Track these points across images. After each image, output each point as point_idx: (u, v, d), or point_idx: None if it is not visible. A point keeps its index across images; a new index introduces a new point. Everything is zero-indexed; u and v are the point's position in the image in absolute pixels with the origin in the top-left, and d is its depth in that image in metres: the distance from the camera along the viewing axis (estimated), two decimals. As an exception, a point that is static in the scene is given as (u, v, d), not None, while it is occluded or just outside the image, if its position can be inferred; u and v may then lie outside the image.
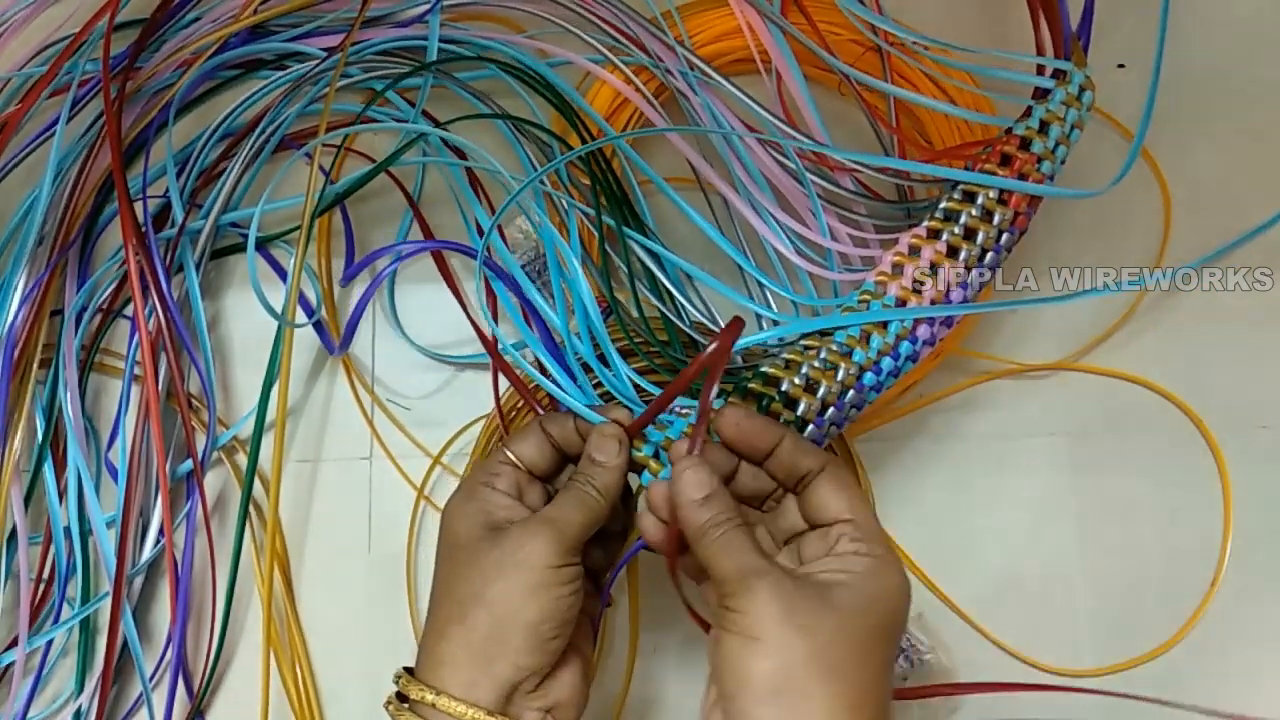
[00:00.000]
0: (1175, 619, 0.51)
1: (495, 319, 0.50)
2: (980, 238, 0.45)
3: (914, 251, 0.45)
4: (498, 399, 0.49)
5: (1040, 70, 0.48)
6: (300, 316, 0.51)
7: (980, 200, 0.46)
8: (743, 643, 0.34)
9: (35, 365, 0.52)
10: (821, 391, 0.43)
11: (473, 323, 0.48)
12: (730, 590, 0.35)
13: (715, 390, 0.37)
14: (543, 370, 0.45)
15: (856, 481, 0.38)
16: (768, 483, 0.40)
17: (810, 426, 0.43)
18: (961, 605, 0.51)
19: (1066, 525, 0.52)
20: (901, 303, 0.44)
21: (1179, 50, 0.58)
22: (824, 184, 0.49)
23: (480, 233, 0.52)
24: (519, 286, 0.48)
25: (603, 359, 0.45)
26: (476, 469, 0.42)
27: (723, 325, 0.50)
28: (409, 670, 0.39)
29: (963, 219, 0.46)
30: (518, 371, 0.47)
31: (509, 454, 0.41)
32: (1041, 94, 0.48)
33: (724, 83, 0.51)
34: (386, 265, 0.52)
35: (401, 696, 0.38)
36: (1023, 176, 0.46)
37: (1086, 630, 0.51)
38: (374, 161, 0.55)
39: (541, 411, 0.44)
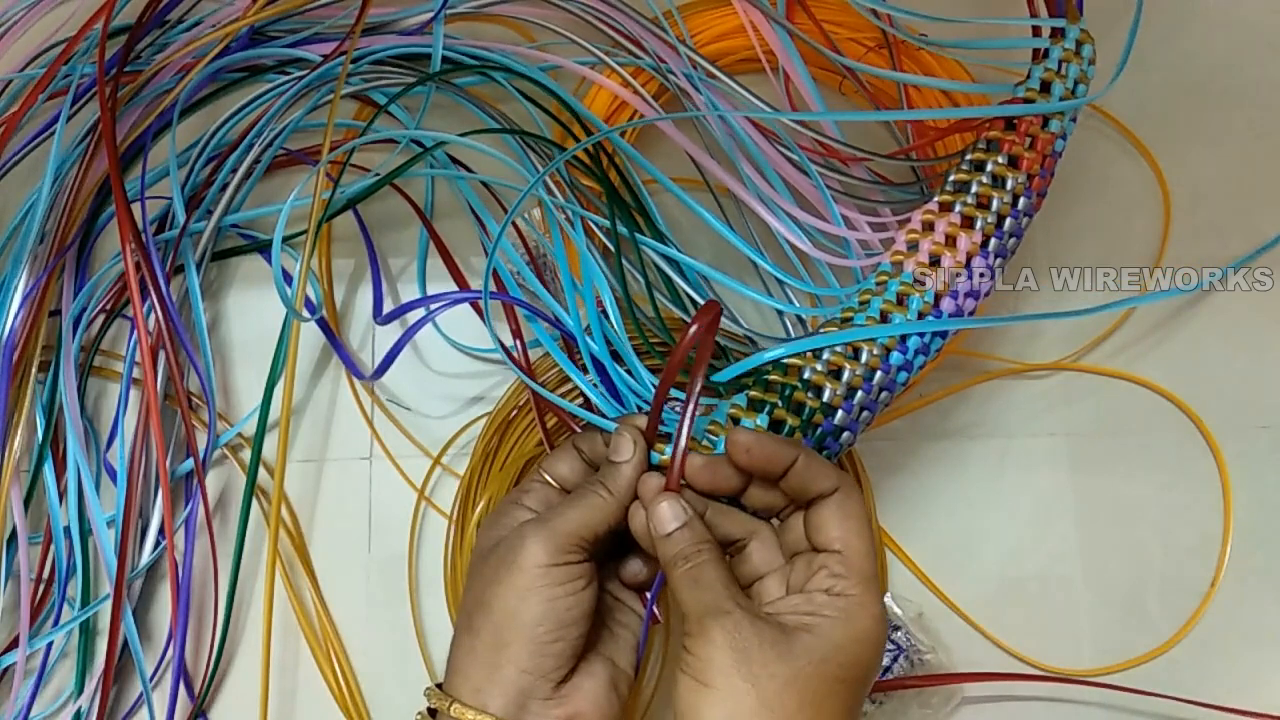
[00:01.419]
0: (1175, 619, 0.51)
1: (524, 347, 0.51)
2: (995, 204, 0.45)
3: (928, 227, 0.45)
4: (545, 431, 0.49)
5: (1037, 32, 0.48)
6: (305, 315, 0.51)
7: (989, 167, 0.45)
8: (695, 687, 0.35)
9: (35, 366, 0.52)
10: (846, 375, 0.42)
11: (509, 355, 0.48)
12: (689, 630, 0.36)
13: (694, 409, 0.37)
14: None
15: (863, 510, 0.38)
16: (779, 497, 0.40)
17: (839, 412, 0.42)
18: (961, 605, 0.51)
19: (1066, 525, 0.52)
20: (920, 279, 0.44)
21: (1179, 50, 0.58)
22: (838, 176, 0.49)
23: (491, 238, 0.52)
24: (542, 312, 0.48)
25: (619, 360, 0.45)
26: (512, 489, 0.42)
27: (745, 325, 0.51)
28: (439, 686, 0.39)
29: (974, 188, 0.45)
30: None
31: (543, 473, 0.42)
32: (1041, 56, 0.47)
33: (729, 82, 0.50)
34: (419, 320, 0.52)
35: (433, 711, 0.39)
36: (1031, 138, 0.45)
37: (1087, 630, 0.51)
38: (369, 172, 0.55)
39: (577, 429, 0.45)
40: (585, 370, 0.46)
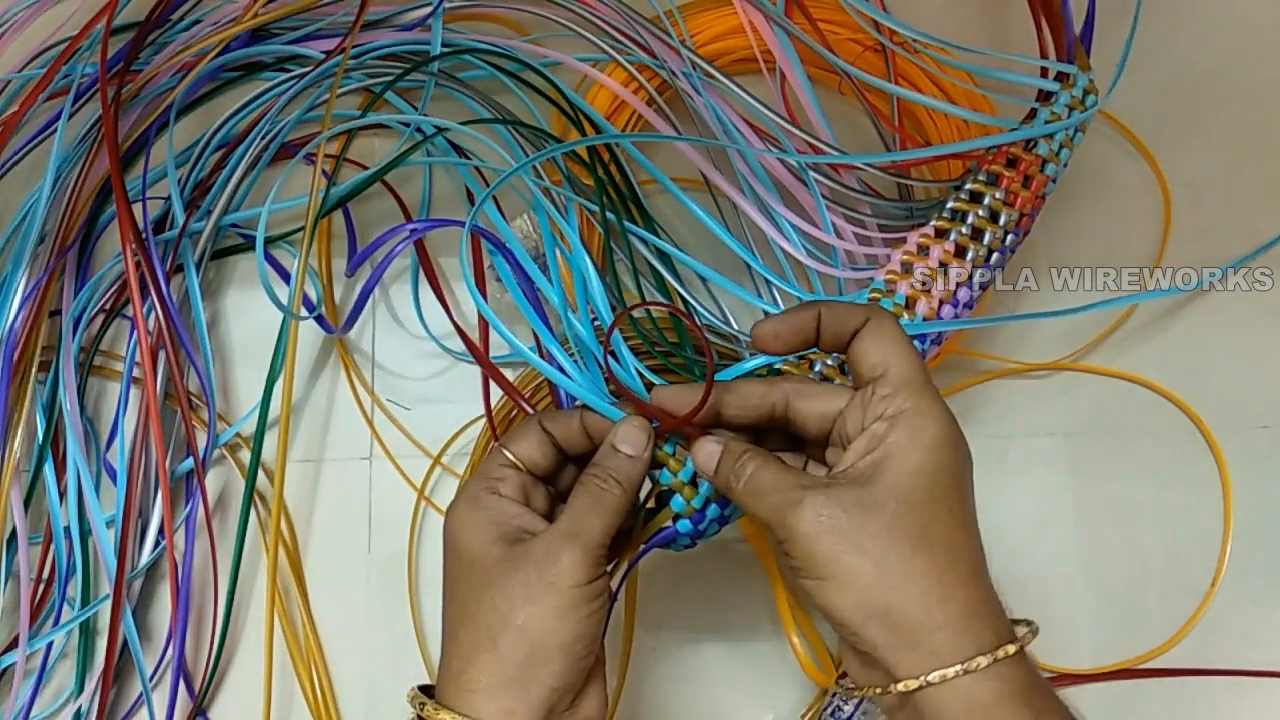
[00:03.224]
0: (1175, 619, 0.51)
1: (484, 294, 0.49)
2: (987, 238, 0.46)
3: (923, 250, 0.45)
4: (487, 401, 0.48)
5: (1044, 73, 0.49)
6: (303, 313, 0.51)
7: (987, 201, 0.46)
8: (815, 585, 0.34)
9: (35, 366, 0.52)
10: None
11: (455, 325, 0.48)
12: (779, 537, 0.35)
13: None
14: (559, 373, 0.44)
15: (898, 331, 0.36)
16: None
17: None
18: (961, 605, 0.51)
19: (1066, 525, 0.52)
20: (911, 301, 0.44)
21: (1179, 50, 0.58)
22: (827, 182, 0.49)
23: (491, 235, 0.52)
24: (514, 258, 0.46)
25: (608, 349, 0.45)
26: (476, 475, 0.39)
27: (733, 325, 0.51)
28: (424, 689, 0.37)
29: (970, 219, 0.46)
30: (528, 367, 0.46)
31: (509, 455, 0.39)
32: (1045, 96, 0.48)
33: (728, 83, 0.50)
34: (397, 243, 0.50)
35: None
36: (1028, 178, 0.46)
37: (1087, 630, 0.51)
38: (371, 170, 0.55)
39: (531, 411, 0.42)
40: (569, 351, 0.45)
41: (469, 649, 0.36)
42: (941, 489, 0.34)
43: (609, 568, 0.41)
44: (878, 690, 0.34)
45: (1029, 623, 0.36)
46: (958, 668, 0.32)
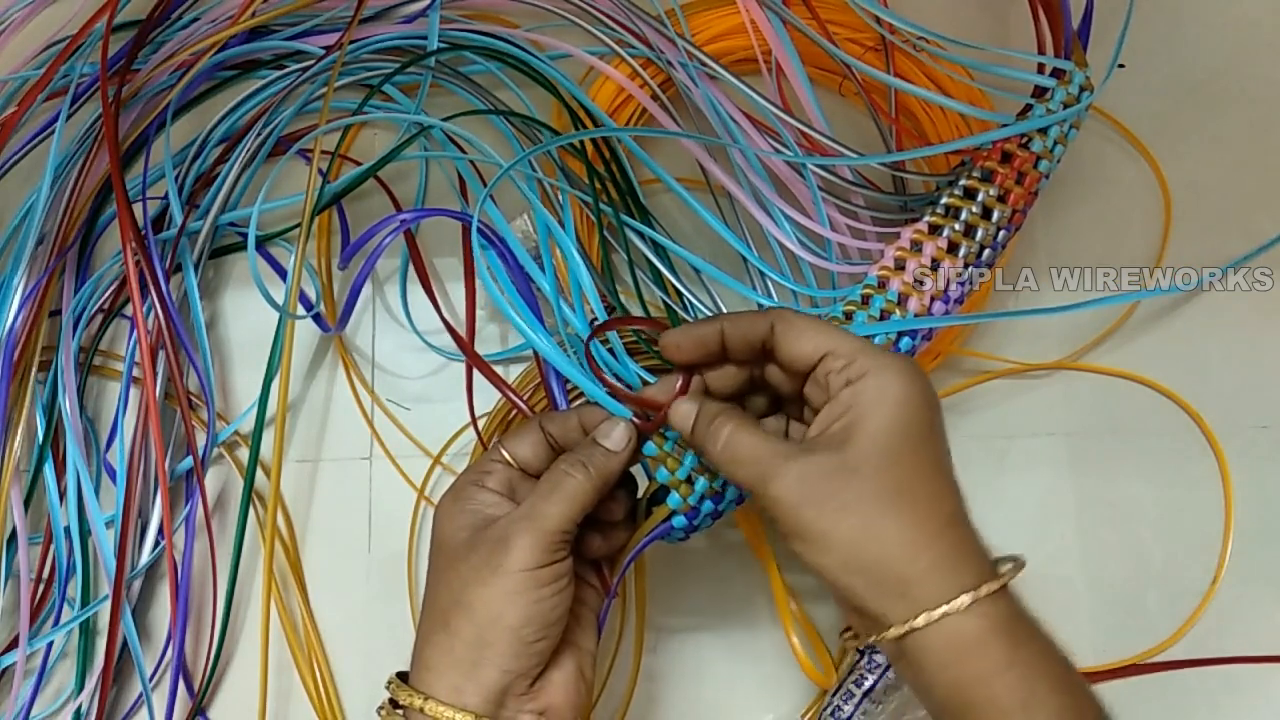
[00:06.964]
0: (1175, 619, 0.51)
1: (474, 290, 0.50)
2: (979, 234, 0.46)
3: (916, 247, 0.45)
4: (470, 392, 0.48)
5: (1040, 69, 0.49)
6: (300, 312, 0.51)
7: (981, 197, 0.46)
8: (801, 547, 0.35)
9: (35, 366, 0.52)
10: None
11: (443, 318, 0.48)
12: (762, 504, 0.36)
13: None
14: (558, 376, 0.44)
15: (810, 317, 0.37)
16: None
17: None
18: (961, 605, 0.51)
19: (1066, 525, 0.52)
20: (903, 298, 0.45)
21: (1179, 50, 0.58)
22: (822, 174, 0.49)
23: (477, 215, 0.52)
24: (514, 256, 0.46)
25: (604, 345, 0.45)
26: (467, 469, 0.41)
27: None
28: (401, 675, 0.38)
29: (963, 215, 0.46)
30: (522, 369, 0.47)
31: (503, 452, 0.40)
32: (1040, 92, 0.48)
33: (725, 73, 0.50)
34: (386, 234, 0.49)
35: (394, 702, 0.37)
36: (1021, 175, 0.46)
37: (1087, 630, 0.51)
38: (366, 165, 0.55)
39: (530, 413, 0.43)
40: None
41: (427, 628, 0.38)
42: (914, 441, 0.35)
43: (617, 565, 0.42)
44: (874, 638, 0.35)
45: (1014, 559, 0.36)
46: (942, 609, 0.33)
